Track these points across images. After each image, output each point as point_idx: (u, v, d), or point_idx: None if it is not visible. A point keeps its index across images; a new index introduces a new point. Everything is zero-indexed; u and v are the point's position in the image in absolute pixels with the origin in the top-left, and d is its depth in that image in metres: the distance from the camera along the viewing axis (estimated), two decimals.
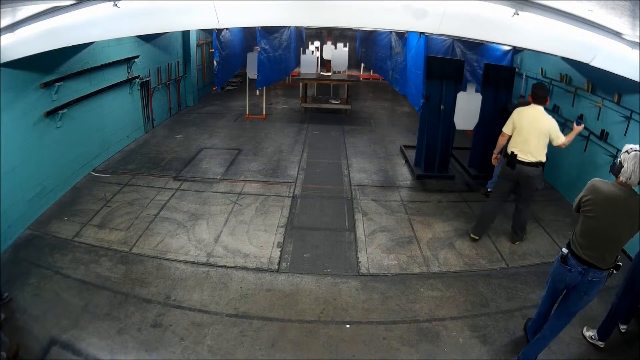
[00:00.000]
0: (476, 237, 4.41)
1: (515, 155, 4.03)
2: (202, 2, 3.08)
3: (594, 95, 4.92)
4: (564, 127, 5.46)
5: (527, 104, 4.15)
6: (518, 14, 2.97)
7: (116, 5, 3.00)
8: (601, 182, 2.44)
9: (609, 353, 3.03)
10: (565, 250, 2.56)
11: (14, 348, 2.72)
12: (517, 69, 6.38)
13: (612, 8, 2.53)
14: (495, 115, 5.69)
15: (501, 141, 4.22)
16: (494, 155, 4.42)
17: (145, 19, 3.28)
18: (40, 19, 3.25)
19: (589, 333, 3.10)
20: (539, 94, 3.97)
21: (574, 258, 2.51)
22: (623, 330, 3.19)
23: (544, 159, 4.01)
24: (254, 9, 3.18)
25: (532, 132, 3.93)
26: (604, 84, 4.74)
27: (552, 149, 4.02)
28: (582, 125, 3.98)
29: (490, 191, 5.40)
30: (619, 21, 2.76)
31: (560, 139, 3.92)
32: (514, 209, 4.38)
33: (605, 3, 2.49)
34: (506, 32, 3.27)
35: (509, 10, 2.98)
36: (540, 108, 3.99)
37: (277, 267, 3.87)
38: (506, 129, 4.12)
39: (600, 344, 3.04)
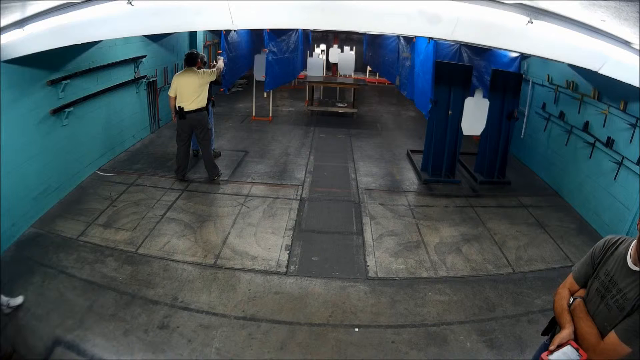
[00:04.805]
0: None
1: None
2: (217, 3, 3.06)
3: (600, 102, 4.93)
4: (570, 134, 5.48)
5: None
6: (532, 22, 2.98)
7: (130, 3, 2.98)
8: None
9: None
10: None
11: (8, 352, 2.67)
12: (523, 75, 6.39)
13: (624, 19, 2.53)
14: (502, 121, 5.71)
15: None
16: None
17: (159, 19, 3.25)
18: (51, 15, 3.23)
19: None
20: None
21: None
22: None
23: None
24: (268, 11, 3.16)
25: None
26: (610, 91, 4.76)
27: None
28: None
29: None
30: (629, 31, 2.76)
31: None
32: None
33: (619, 14, 2.50)
34: (518, 40, 3.27)
35: (523, 19, 2.99)
36: None
37: (285, 269, 3.85)
38: None
39: None
